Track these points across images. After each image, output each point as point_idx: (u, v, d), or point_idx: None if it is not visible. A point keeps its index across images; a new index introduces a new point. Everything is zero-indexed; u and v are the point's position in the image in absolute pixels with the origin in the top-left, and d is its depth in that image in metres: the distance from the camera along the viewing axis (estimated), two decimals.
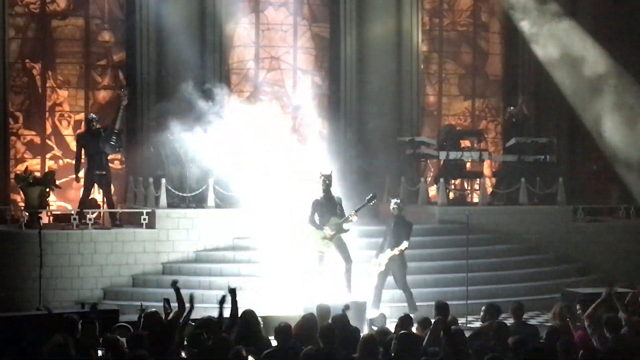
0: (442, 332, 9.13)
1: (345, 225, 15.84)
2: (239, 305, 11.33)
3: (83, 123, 20.50)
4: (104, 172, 19.24)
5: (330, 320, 11.24)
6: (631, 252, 20.71)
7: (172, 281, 11.75)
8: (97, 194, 20.29)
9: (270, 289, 17.00)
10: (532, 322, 15.37)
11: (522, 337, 9.99)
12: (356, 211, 15.86)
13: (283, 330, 10.48)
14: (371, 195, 16.18)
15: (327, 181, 15.88)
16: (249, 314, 11.37)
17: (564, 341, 10.01)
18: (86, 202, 19.24)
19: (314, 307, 12.47)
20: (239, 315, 11.26)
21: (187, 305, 11.07)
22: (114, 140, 19.19)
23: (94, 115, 19.90)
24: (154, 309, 11.75)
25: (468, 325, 15.14)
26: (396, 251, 16.23)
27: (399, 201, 16.75)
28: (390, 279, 16.58)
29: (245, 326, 11.12)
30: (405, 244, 16.25)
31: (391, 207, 16.66)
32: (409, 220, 16.71)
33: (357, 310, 14.80)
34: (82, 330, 10.71)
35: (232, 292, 11.27)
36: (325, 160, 17.54)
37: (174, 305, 11.29)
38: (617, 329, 10.56)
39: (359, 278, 16.52)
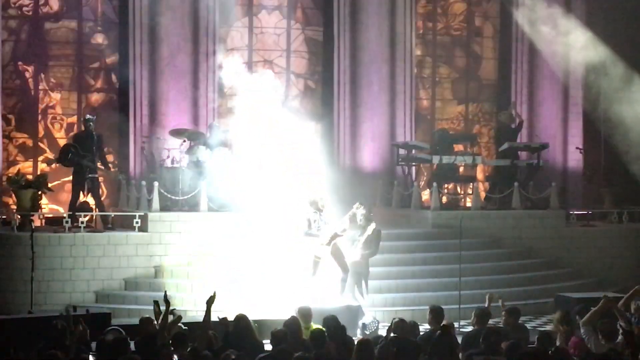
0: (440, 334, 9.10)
1: (339, 231, 15.90)
2: (233, 308, 11.32)
3: (82, 123, 20.31)
4: (95, 175, 19.17)
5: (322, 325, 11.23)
6: (624, 257, 20.72)
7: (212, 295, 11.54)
8: (88, 197, 20.20)
9: (264, 293, 16.96)
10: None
11: (515, 341, 9.97)
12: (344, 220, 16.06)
13: (279, 335, 10.49)
14: (357, 203, 16.28)
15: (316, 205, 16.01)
16: (242, 319, 11.35)
17: (556, 346, 10.03)
18: (76, 205, 19.17)
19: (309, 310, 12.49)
20: (233, 319, 11.24)
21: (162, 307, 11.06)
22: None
23: (90, 116, 19.77)
24: (147, 316, 11.74)
25: (461, 329, 15.10)
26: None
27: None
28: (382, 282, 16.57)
29: (238, 330, 11.10)
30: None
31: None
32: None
33: (350, 315, 14.81)
34: (72, 334, 10.66)
35: (211, 299, 11.17)
36: (317, 162, 17.56)
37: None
38: (613, 337, 10.54)
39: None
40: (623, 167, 24.09)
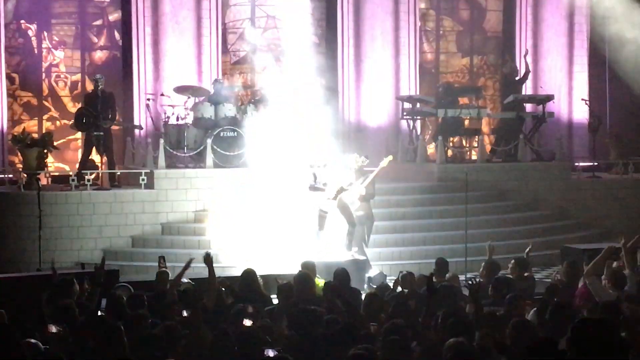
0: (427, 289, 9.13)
1: (345, 185, 15.90)
2: (239, 263, 11.39)
3: (87, 83, 20.24)
4: (102, 133, 19.13)
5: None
6: (629, 207, 20.74)
7: (206, 253, 11.54)
8: (94, 155, 20.21)
9: (270, 248, 17.02)
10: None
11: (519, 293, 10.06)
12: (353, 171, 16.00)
13: (285, 288, 10.54)
14: (364, 155, 16.25)
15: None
16: (249, 273, 11.41)
17: (562, 296, 10.08)
18: (86, 163, 19.18)
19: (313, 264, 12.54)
20: (240, 274, 11.31)
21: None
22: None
23: (100, 76, 19.66)
24: (164, 268, 11.80)
25: (468, 282, 15.14)
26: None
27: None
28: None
29: (246, 284, 11.17)
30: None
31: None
32: None
33: (356, 269, 14.87)
34: (84, 291, 10.73)
35: (208, 258, 11.17)
36: (322, 121, 17.55)
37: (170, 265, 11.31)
38: (620, 284, 10.59)
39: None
40: (628, 117, 24.09)
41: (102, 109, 18.85)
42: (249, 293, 10.90)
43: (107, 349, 7.74)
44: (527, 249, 13.27)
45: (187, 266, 11.31)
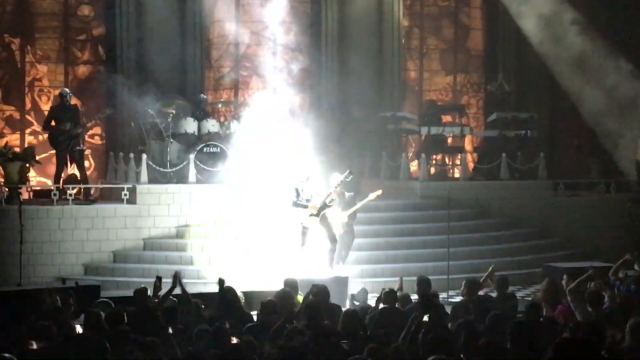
0: (423, 305, 9.12)
1: (328, 201, 15.87)
2: (221, 280, 11.38)
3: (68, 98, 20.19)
4: (77, 148, 19.06)
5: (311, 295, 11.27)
6: (611, 227, 20.78)
7: (175, 273, 11.67)
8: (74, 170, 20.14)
9: (252, 264, 17.00)
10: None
11: (500, 312, 10.03)
12: (335, 187, 15.90)
13: (267, 305, 10.54)
14: (348, 171, 16.23)
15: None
16: (228, 291, 11.40)
17: (544, 315, 10.09)
18: (61, 177, 19.11)
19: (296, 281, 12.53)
20: (219, 292, 11.29)
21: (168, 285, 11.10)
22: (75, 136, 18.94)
23: (67, 90, 19.66)
24: (143, 285, 11.76)
25: (449, 299, 15.17)
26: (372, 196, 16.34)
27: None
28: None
29: (226, 302, 11.14)
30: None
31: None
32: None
33: (338, 286, 14.84)
34: (62, 306, 10.68)
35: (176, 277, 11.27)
36: (305, 136, 17.55)
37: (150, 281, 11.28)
38: (599, 305, 10.62)
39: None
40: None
41: (72, 121, 18.86)
42: (229, 311, 10.86)
43: None
44: (490, 268, 13.04)
45: (175, 281, 11.26)
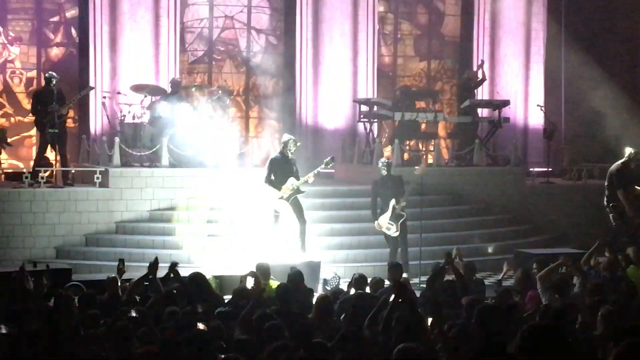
0: (396, 291, 9.11)
1: (301, 187, 15.85)
2: (195, 265, 11.38)
3: (42, 80, 19.93)
4: (57, 131, 18.92)
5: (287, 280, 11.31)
6: (583, 214, 20.88)
7: (172, 263, 11.67)
8: (49, 153, 20.02)
9: (224, 248, 17.00)
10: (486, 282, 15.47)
11: (475, 297, 10.08)
12: (315, 173, 15.88)
13: (239, 292, 10.57)
14: (330, 157, 16.23)
15: (288, 146, 15.90)
16: (197, 277, 11.39)
17: (512, 301, 10.16)
18: (41, 161, 18.95)
19: (268, 266, 12.56)
20: (188, 278, 11.29)
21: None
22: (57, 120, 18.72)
23: (54, 74, 19.24)
24: (113, 275, 11.72)
25: (421, 285, 15.22)
26: (399, 208, 16.26)
27: (385, 161, 16.80)
28: None
29: (196, 288, 11.12)
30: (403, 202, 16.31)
31: (380, 167, 16.64)
32: (399, 175, 16.78)
33: (311, 271, 14.87)
34: (35, 289, 10.65)
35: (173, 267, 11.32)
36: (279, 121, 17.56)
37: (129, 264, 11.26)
38: (565, 292, 10.70)
39: (313, 238, 16.63)
40: (583, 124, 24.32)
41: (57, 103, 18.66)
42: (200, 296, 10.85)
43: (60, 350, 7.67)
44: (454, 252, 12.81)
45: (154, 267, 11.21)
